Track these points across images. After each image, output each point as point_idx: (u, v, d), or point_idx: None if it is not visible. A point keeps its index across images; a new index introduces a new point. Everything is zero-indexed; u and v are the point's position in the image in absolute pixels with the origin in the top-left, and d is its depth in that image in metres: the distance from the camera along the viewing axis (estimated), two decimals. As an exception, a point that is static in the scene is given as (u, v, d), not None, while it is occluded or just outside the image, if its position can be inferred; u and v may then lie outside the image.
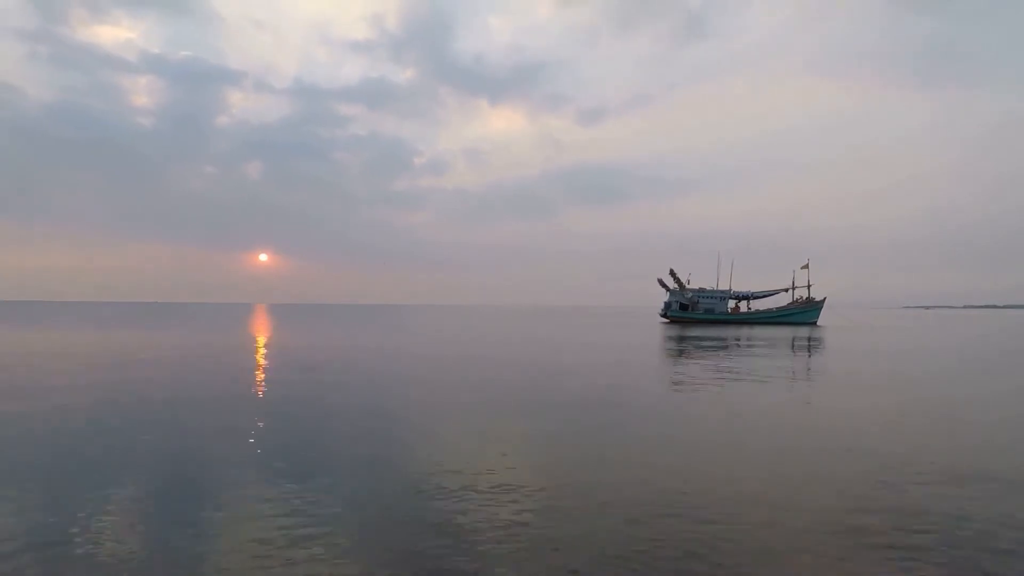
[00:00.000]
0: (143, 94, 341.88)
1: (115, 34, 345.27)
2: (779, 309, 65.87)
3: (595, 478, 6.46)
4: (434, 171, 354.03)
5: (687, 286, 66.59)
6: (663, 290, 67.38)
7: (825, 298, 64.69)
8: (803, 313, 64.14)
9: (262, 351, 23.98)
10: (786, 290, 65.70)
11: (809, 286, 65.21)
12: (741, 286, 67.93)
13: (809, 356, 23.51)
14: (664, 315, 66.74)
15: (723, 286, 67.51)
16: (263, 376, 15.72)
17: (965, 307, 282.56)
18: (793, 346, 28.86)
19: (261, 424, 9.32)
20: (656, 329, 47.42)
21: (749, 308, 66.87)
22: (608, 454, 7.52)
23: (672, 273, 66.94)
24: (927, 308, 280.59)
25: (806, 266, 65.33)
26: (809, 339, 35.18)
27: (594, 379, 15.38)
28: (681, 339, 34.19)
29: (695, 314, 65.25)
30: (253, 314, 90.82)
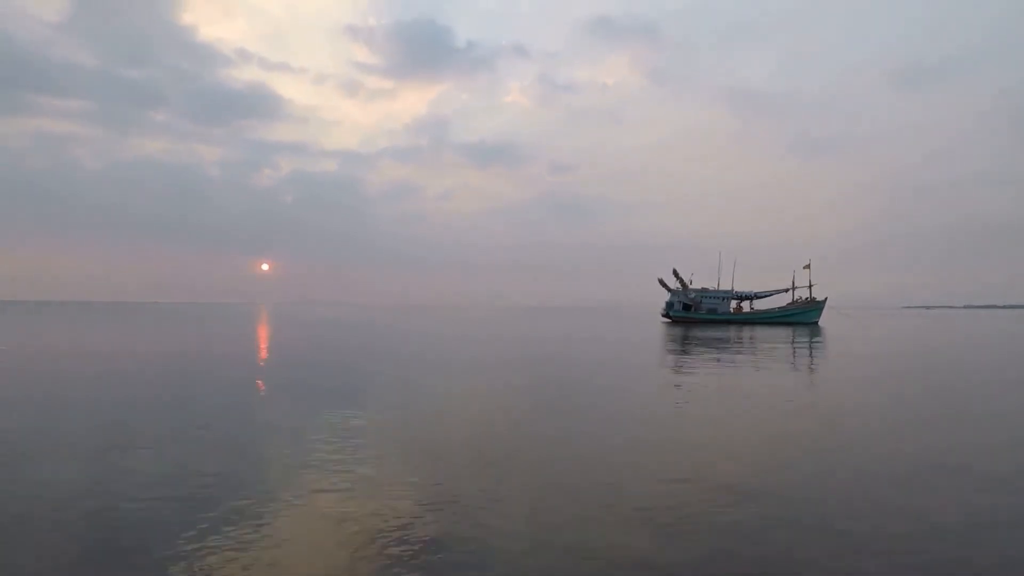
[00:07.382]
0: (216, 158, 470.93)
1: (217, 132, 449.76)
2: (780, 309, 66.31)
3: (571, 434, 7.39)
4: (439, 198, 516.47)
5: (690, 286, 67.14)
6: (663, 290, 67.85)
7: (826, 298, 65.19)
8: (804, 313, 64.65)
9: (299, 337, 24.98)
10: (786, 290, 66.19)
11: (811, 286, 65.67)
12: (729, 286, 68.19)
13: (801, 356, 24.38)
14: (666, 315, 66.90)
15: (724, 286, 68.05)
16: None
17: (966, 307, 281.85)
18: (794, 344, 29.82)
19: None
20: (658, 332, 48.09)
21: (752, 308, 67.37)
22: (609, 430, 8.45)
23: (675, 273, 67.36)
24: (928, 308, 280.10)
25: (808, 266, 65.79)
26: (810, 338, 36.08)
27: (600, 376, 16.24)
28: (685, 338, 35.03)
29: (698, 314, 65.80)
30: (272, 313, 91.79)
